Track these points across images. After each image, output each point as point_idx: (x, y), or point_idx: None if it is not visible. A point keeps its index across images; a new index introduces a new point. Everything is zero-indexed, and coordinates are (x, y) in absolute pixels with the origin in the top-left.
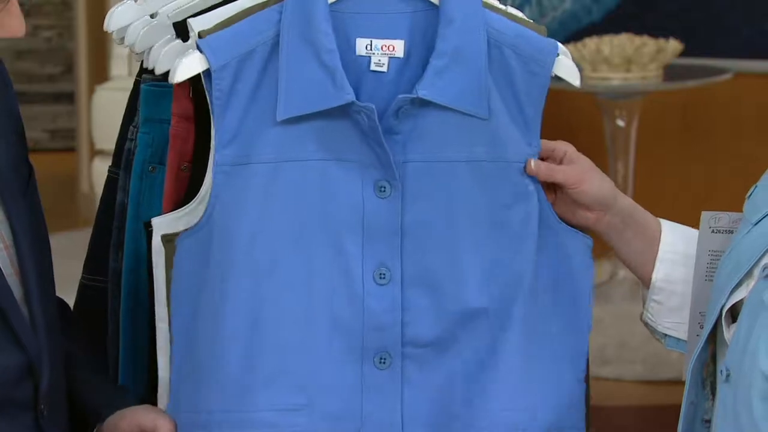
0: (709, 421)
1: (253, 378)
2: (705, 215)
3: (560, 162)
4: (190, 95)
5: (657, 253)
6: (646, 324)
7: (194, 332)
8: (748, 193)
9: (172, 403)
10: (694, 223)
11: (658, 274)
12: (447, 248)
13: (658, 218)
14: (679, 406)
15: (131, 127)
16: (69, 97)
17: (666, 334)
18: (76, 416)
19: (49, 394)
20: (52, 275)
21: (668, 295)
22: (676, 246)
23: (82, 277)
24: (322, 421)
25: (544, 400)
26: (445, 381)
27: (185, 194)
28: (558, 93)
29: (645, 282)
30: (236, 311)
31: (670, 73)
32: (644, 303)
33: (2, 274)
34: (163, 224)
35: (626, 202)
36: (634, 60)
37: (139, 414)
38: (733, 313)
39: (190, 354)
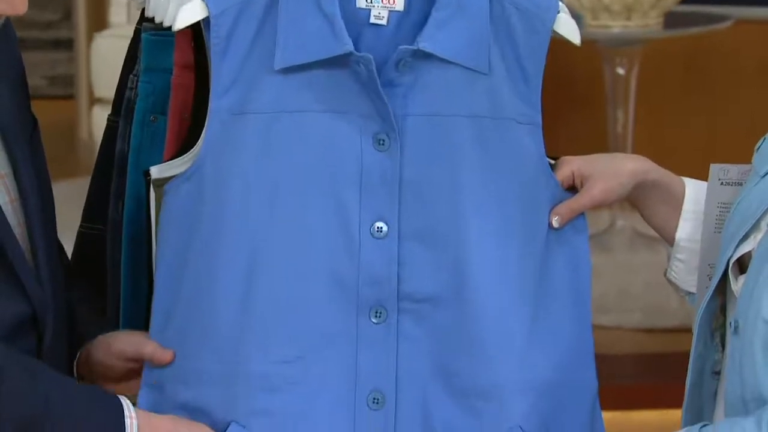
0: (718, 373)
1: (245, 329)
2: (714, 168)
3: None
4: (192, 44)
5: (681, 212)
6: (670, 282)
7: (182, 282)
8: (757, 145)
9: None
10: (693, 172)
11: (682, 234)
12: (446, 203)
13: (682, 177)
14: (679, 354)
15: (131, 76)
16: (68, 44)
17: (690, 292)
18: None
19: (53, 346)
20: (56, 228)
21: (692, 254)
22: (699, 205)
23: (81, 225)
24: (316, 374)
25: (548, 357)
26: (442, 337)
27: (185, 144)
28: (558, 41)
29: (669, 241)
30: (229, 261)
31: (671, 20)
32: (668, 261)
33: (9, 226)
34: (161, 173)
35: (651, 175)
36: (634, 8)
37: (119, 342)
38: (742, 265)
39: (175, 305)
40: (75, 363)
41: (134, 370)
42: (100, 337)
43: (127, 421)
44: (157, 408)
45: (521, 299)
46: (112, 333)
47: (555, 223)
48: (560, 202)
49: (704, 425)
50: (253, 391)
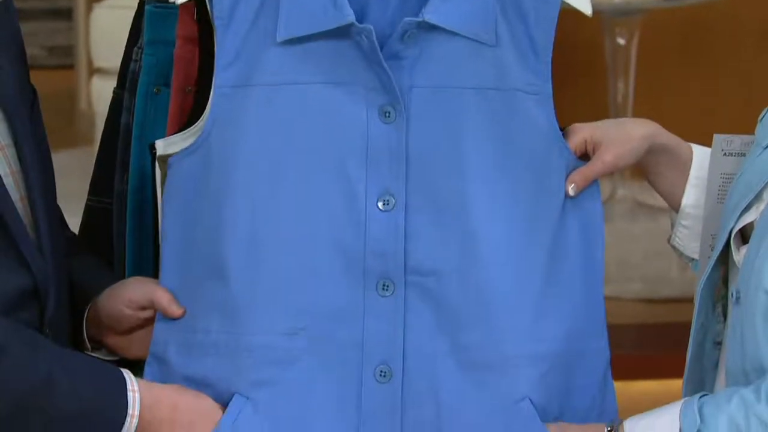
0: (719, 344)
1: (251, 301)
2: (717, 138)
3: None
4: (195, 17)
5: (687, 178)
6: (674, 248)
7: (188, 254)
8: (761, 116)
9: (167, 321)
10: (692, 141)
11: (688, 200)
12: (453, 176)
13: (690, 144)
14: (680, 324)
15: (135, 49)
16: (67, 14)
17: (693, 259)
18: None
19: (54, 318)
20: (56, 199)
21: (697, 220)
22: (706, 171)
23: (88, 199)
24: (322, 346)
25: (558, 328)
26: (450, 310)
27: (189, 117)
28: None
29: (674, 207)
30: (235, 234)
31: None
32: (673, 227)
33: (10, 198)
34: (166, 146)
35: (660, 139)
36: None
37: (129, 289)
38: (744, 235)
39: (181, 277)
40: (84, 320)
41: (143, 320)
42: (109, 288)
43: (130, 394)
44: (162, 381)
45: (531, 271)
46: (122, 281)
47: (571, 192)
48: (574, 170)
49: (703, 395)
50: (257, 363)
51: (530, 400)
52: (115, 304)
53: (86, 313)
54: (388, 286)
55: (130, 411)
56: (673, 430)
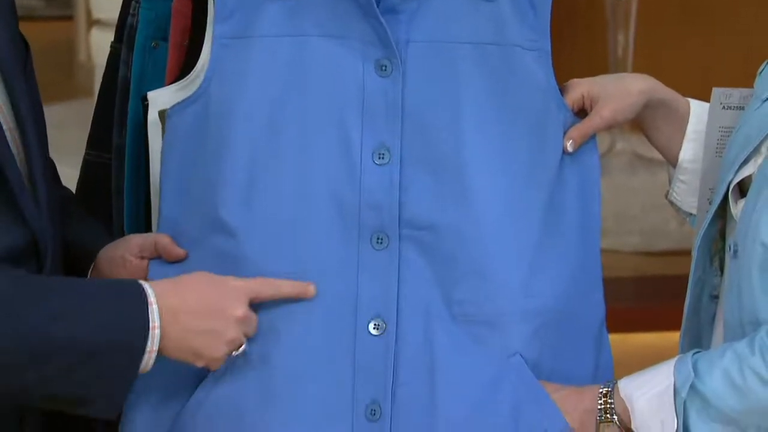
0: (717, 297)
1: (247, 252)
2: (716, 92)
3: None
4: None
5: (685, 133)
6: (671, 203)
7: (187, 205)
8: (760, 69)
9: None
10: (692, 95)
11: (685, 155)
12: (449, 130)
13: (688, 99)
14: (677, 277)
15: (133, 2)
16: None
17: (691, 213)
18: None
19: (52, 273)
20: (49, 154)
21: (694, 175)
22: (704, 125)
23: (86, 153)
24: (317, 298)
25: (553, 284)
26: (445, 265)
27: (184, 70)
28: None
29: (672, 162)
30: (234, 184)
31: None
32: (670, 182)
33: (11, 151)
34: (158, 98)
35: (658, 94)
36: None
37: (131, 239)
38: (742, 189)
39: (180, 224)
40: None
41: (144, 271)
42: (111, 243)
43: (150, 307)
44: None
45: (527, 226)
46: (123, 237)
47: (569, 148)
48: (571, 126)
49: (696, 351)
50: (260, 311)
51: (521, 355)
52: (116, 252)
53: (89, 273)
54: (382, 240)
55: (151, 324)
56: (667, 385)
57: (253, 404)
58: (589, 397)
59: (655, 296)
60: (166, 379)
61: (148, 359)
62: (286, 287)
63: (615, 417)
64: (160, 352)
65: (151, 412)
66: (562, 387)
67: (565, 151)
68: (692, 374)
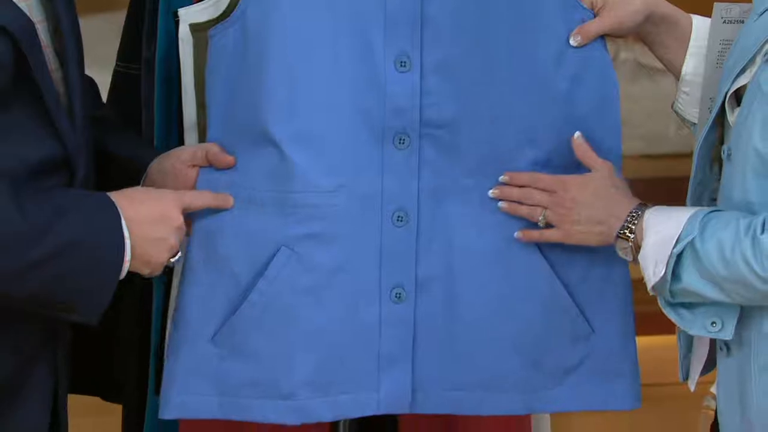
0: (715, 200)
1: (290, 161)
2: (717, 6)
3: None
4: None
5: (687, 48)
6: (676, 113)
7: (233, 120)
8: None
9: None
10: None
11: (687, 68)
12: (469, 38)
13: (690, 14)
14: (678, 178)
15: None
16: None
17: (694, 123)
18: (119, 180)
19: (83, 185)
20: (84, 70)
21: (696, 87)
22: (705, 41)
23: (116, 65)
24: (356, 200)
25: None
26: (460, 156)
27: None
28: None
29: (676, 74)
30: (274, 101)
31: None
32: (677, 94)
33: (47, 69)
34: (189, 14)
35: (660, 9)
36: None
37: (180, 149)
38: (739, 98)
39: (228, 140)
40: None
41: (192, 180)
42: (164, 153)
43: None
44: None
45: (542, 116)
46: (176, 148)
47: (572, 41)
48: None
49: (713, 210)
50: (303, 219)
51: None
52: (168, 162)
53: (142, 183)
54: (403, 140)
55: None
56: (673, 234)
57: (302, 299)
58: (624, 209)
59: (657, 197)
60: (218, 279)
61: (125, 267)
62: (208, 198)
63: (632, 236)
64: None
65: (202, 305)
66: (616, 187)
67: (569, 44)
68: (696, 232)
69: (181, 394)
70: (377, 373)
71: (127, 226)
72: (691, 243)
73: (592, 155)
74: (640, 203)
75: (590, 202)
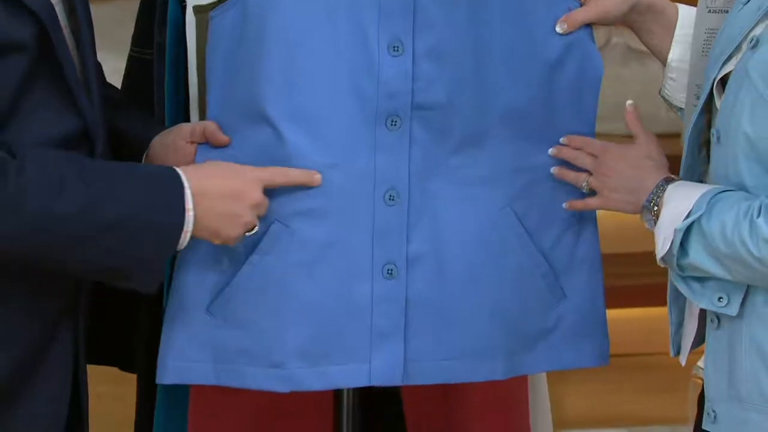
0: (703, 181)
1: (290, 140)
2: None
3: None
4: None
5: (673, 36)
6: (664, 99)
7: (232, 99)
8: None
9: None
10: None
11: (673, 55)
12: (460, 25)
13: (677, 4)
14: (670, 156)
15: None
16: None
17: (681, 108)
18: (123, 153)
19: (102, 158)
20: (96, 52)
21: (682, 74)
22: (690, 29)
23: (131, 50)
24: (349, 179)
25: (548, 146)
26: (449, 137)
27: None
28: None
29: (662, 61)
30: (272, 82)
31: None
32: (663, 80)
33: (68, 48)
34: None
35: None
36: None
37: (182, 125)
38: (725, 84)
39: (227, 118)
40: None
41: (191, 156)
42: (166, 130)
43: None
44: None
45: (528, 100)
46: (176, 125)
47: (558, 29)
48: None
49: (724, 190)
50: (299, 196)
51: (511, 208)
52: (169, 138)
53: (143, 158)
54: (395, 122)
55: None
56: (684, 210)
57: (295, 273)
58: (652, 181)
59: None
60: (214, 250)
61: (184, 239)
62: (295, 175)
63: (655, 209)
64: None
65: (198, 275)
66: (651, 159)
67: (555, 31)
68: (703, 210)
69: (177, 360)
70: (369, 347)
71: (193, 199)
72: (698, 221)
73: (637, 125)
74: (666, 177)
75: (624, 172)
